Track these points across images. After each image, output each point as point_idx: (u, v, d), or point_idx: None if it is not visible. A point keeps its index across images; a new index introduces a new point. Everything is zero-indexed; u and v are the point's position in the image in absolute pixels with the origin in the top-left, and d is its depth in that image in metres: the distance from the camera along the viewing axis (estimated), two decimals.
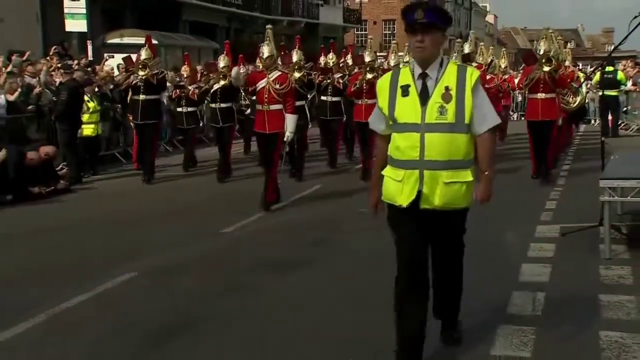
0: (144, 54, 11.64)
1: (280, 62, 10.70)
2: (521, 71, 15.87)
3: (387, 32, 53.73)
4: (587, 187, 8.76)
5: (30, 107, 12.19)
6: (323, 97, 12.84)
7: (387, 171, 4.00)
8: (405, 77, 3.95)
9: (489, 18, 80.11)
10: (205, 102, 13.06)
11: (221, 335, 4.73)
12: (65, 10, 18.69)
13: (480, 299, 5.29)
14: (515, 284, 5.62)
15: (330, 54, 14.07)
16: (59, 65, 14.14)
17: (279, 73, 9.19)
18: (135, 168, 13.03)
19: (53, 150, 10.96)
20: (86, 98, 12.46)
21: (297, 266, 6.39)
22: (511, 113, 22.36)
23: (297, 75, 11.57)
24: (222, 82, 11.35)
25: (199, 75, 13.37)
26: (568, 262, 6.27)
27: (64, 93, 11.77)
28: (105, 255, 6.94)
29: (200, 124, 13.19)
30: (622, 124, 20.24)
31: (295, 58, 12.01)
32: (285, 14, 37.79)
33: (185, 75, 13.03)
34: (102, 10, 22.57)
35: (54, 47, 16.99)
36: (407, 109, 3.87)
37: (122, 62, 13.53)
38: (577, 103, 12.65)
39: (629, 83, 19.94)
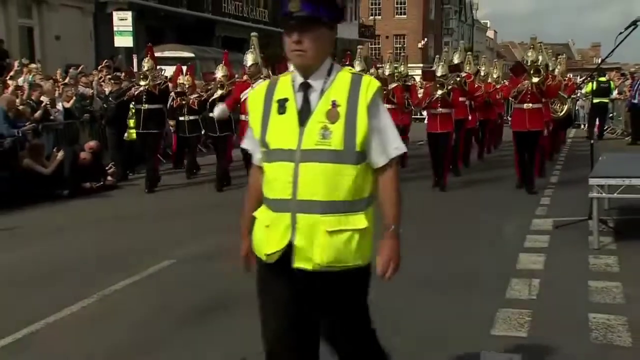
0: (145, 64, 10.70)
1: (277, 71, 10.33)
2: None
3: (398, 45, 53.60)
4: (578, 185, 8.70)
5: (85, 115, 12.30)
6: None
7: (259, 212, 2.69)
8: (283, 88, 2.64)
9: (489, 33, 79.77)
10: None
11: (256, 315, 4.73)
12: (115, 28, 18.86)
13: (481, 284, 5.29)
14: (513, 272, 5.58)
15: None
16: (109, 76, 14.26)
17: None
18: (172, 167, 13.07)
19: (96, 144, 11.06)
20: (131, 105, 12.53)
21: None
22: (509, 118, 22.04)
23: None
24: (219, 92, 10.31)
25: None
26: (561, 252, 6.23)
27: (113, 101, 11.89)
28: (148, 244, 6.98)
29: (202, 132, 12.64)
30: (609, 129, 20.09)
31: (291, 67, 11.30)
32: None
33: (187, 85, 12.14)
34: (146, 28, 22.75)
35: (105, 60, 17.16)
36: (282, 131, 2.55)
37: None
38: (564, 111, 12.30)
39: (615, 92, 19.81)
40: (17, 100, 10.84)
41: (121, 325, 4.58)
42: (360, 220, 2.53)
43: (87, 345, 4.25)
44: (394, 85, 11.75)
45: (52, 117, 11.49)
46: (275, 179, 2.56)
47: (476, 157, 13.83)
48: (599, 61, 20.01)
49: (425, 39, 55.17)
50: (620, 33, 6.93)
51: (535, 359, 3.90)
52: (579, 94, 18.65)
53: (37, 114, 10.97)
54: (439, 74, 10.42)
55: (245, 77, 9.60)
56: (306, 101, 2.56)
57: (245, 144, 2.82)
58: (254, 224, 2.70)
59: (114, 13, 19.50)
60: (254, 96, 2.71)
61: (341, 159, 2.48)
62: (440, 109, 10.05)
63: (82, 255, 6.56)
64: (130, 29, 18.81)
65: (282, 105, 2.58)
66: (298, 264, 2.52)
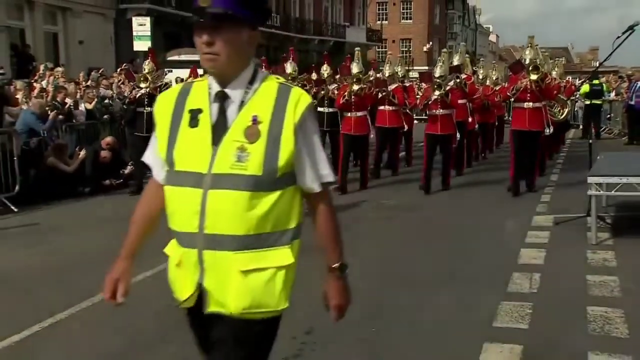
0: (146, 67, 10.06)
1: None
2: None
3: (404, 49, 53.52)
4: (577, 183, 8.67)
5: (105, 116, 12.36)
6: (320, 109, 10.55)
7: (169, 247, 2.30)
8: (198, 95, 2.08)
9: (492, 37, 79.62)
10: None
11: None
12: (134, 33, 19.03)
13: (484, 278, 5.28)
14: (515, 266, 5.57)
15: (325, 65, 12.30)
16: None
17: None
18: None
19: (113, 139, 11.10)
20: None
21: None
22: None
23: None
24: None
25: None
26: (560, 248, 6.21)
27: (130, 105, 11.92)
28: (165, 238, 6.98)
29: None
30: (606, 129, 19.99)
31: (289, 69, 10.86)
32: (316, 34, 37.93)
33: None
34: (163, 33, 22.85)
35: (124, 63, 17.26)
36: (191, 150, 2.03)
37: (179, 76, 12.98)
38: (564, 115, 12.04)
39: (612, 94, 19.72)
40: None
41: (138, 316, 4.59)
42: (284, 256, 2.05)
43: (109, 334, 4.28)
44: (394, 86, 11.28)
45: (74, 120, 11.55)
46: (179, 208, 2.08)
47: (476, 158, 13.39)
48: (597, 64, 19.90)
49: (431, 43, 55.05)
50: (618, 37, 6.91)
51: (535, 350, 3.89)
52: (577, 95, 18.59)
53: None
54: (436, 74, 9.75)
55: None
56: (222, 115, 2.02)
57: (147, 157, 2.25)
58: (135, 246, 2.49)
59: (134, 19, 19.65)
60: (162, 102, 2.14)
61: (258, 186, 1.96)
62: (441, 110, 9.45)
63: (103, 249, 6.55)
64: (149, 33, 18.97)
65: (194, 117, 2.04)
66: (212, 308, 2.05)
